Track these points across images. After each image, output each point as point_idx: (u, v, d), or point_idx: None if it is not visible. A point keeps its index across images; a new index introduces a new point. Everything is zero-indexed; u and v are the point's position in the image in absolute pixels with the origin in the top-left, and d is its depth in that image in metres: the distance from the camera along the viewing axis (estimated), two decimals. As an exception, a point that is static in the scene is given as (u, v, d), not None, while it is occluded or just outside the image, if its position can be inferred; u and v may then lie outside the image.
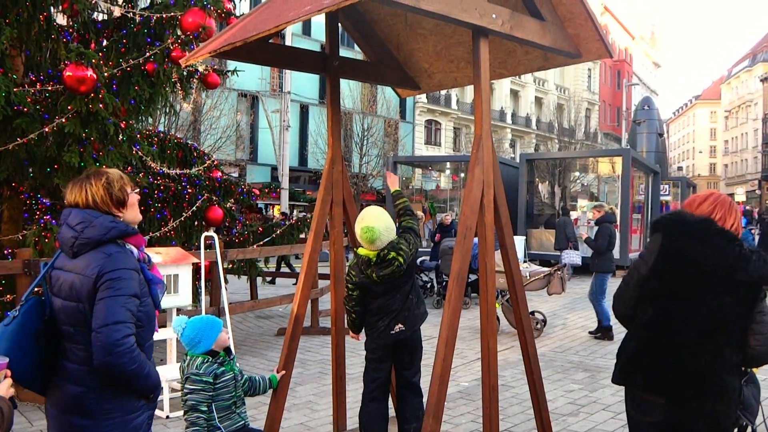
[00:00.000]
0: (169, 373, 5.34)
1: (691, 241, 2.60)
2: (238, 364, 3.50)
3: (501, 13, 3.30)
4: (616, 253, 16.32)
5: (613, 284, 14.02)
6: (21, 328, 2.30)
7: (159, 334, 5.45)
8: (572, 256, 14.01)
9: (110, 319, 2.21)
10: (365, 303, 4.08)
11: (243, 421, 3.36)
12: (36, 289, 2.46)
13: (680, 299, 2.61)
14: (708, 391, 2.56)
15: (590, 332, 8.73)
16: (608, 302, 11.07)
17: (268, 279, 12.52)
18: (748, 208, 42.63)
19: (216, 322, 3.34)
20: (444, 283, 11.28)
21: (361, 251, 3.97)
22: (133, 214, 2.50)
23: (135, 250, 2.45)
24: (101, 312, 2.23)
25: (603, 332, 8.56)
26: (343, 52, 4.29)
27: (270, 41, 4.08)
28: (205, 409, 3.18)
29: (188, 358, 3.30)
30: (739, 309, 2.57)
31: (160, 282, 2.52)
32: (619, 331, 9.07)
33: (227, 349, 3.38)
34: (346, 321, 4.28)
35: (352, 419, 4.53)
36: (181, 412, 3.50)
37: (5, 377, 2.02)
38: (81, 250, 2.32)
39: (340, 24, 4.34)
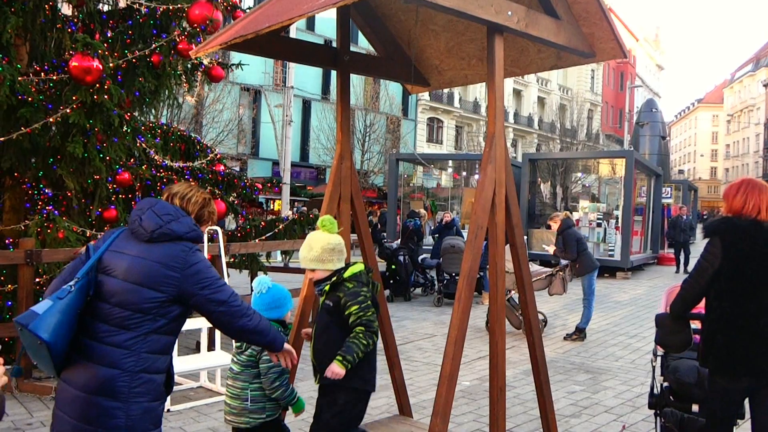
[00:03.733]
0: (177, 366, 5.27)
1: (748, 242, 3.10)
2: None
3: (517, 11, 3.26)
4: (616, 255, 16.50)
5: (609, 285, 13.72)
6: (72, 304, 2.32)
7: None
8: None
9: (223, 297, 2.47)
10: None
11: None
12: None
13: (750, 294, 3.09)
14: None
15: (566, 336, 8.63)
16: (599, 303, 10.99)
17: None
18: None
19: (290, 296, 3.52)
20: (445, 281, 11.26)
21: (355, 269, 3.36)
22: None
23: None
24: (214, 295, 2.45)
25: (577, 332, 8.52)
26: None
27: (280, 35, 4.03)
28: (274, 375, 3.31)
29: None
30: None
31: None
32: (592, 331, 9.07)
33: (285, 324, 3.48)
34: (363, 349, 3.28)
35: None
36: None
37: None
38: (160, 238, 2.43)
39: (351, 19, 4.30)
